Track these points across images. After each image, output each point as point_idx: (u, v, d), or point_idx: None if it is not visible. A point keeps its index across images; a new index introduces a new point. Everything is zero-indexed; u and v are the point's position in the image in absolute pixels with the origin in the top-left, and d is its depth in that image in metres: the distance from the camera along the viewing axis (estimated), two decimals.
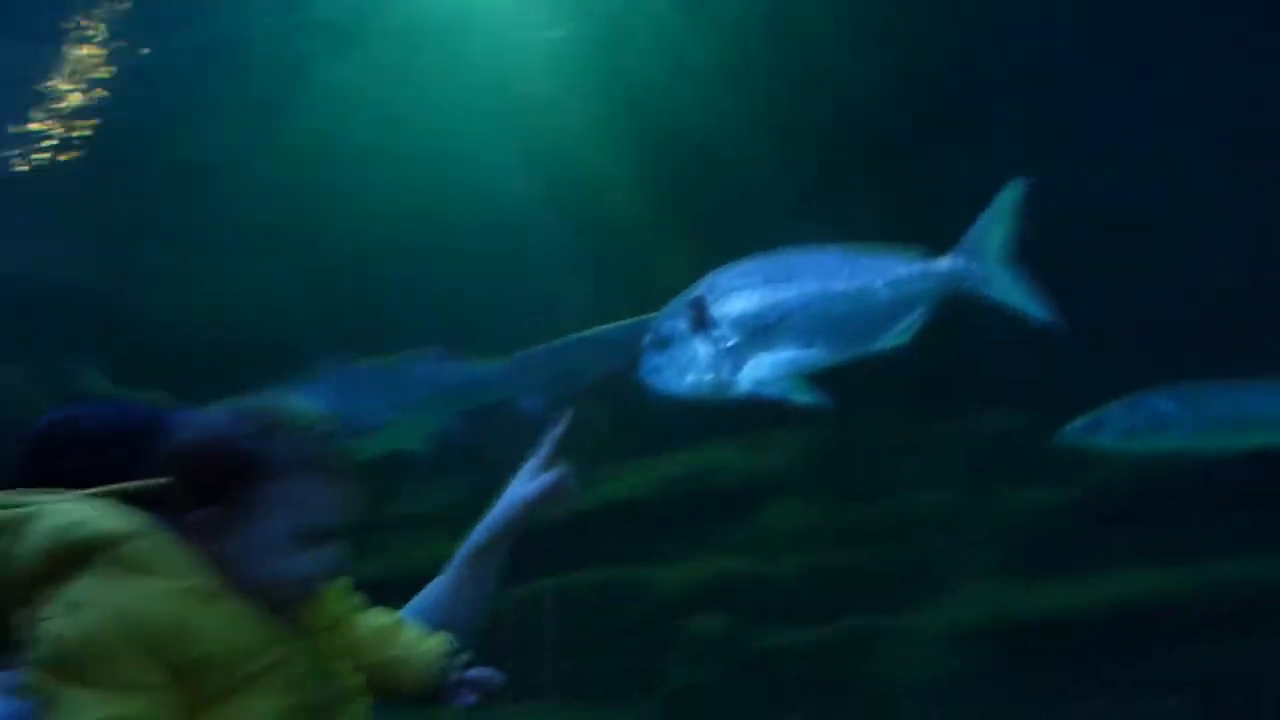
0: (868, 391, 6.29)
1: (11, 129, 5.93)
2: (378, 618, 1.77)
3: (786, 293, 3.14)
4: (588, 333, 5.26)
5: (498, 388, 5.62)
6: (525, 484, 2.07)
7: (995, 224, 3.16)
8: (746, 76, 5.78)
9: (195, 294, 6.44)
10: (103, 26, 5.47)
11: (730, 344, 3.02)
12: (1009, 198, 3.17)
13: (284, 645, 1.51)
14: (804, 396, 3.13)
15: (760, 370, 3.01)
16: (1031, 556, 6.33)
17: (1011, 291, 3.12)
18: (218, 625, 1.45)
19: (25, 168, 6.04)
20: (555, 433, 2.12)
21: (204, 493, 1.50)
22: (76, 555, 1.44)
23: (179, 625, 1.42)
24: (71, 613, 1.40)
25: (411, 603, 1.98)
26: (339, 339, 5.92)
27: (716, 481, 6.90)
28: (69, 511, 1.48)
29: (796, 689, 6.34)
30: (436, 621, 1.88)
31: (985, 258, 3.12)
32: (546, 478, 2.07)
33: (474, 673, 1.75)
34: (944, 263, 3.16)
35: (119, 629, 1.39)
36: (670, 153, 5.87)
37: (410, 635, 1.78)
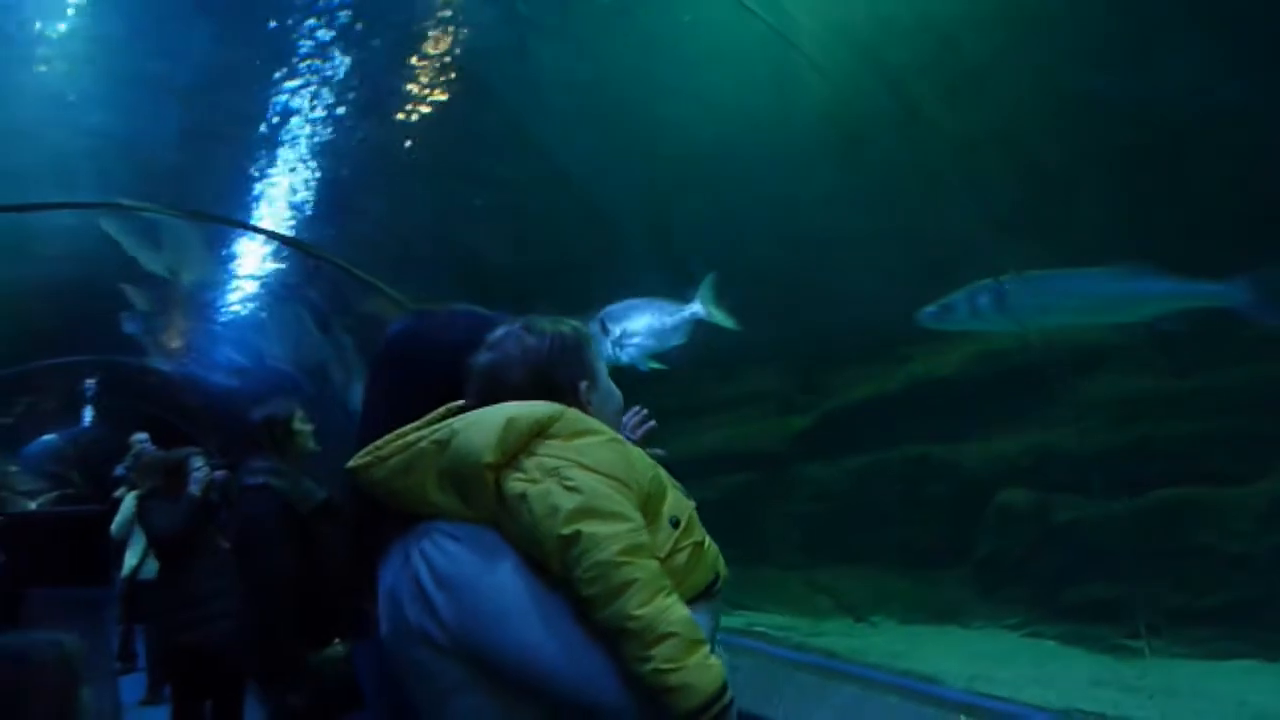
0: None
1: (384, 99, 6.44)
2: None
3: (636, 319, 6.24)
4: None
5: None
6: None
7: (708, 286, 6.08)
8: None
9: (502, 228, 7.13)
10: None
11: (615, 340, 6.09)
12: (709, 279, 6.09)
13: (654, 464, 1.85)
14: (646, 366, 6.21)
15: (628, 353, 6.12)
16: None
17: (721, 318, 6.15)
18: (637, 455, 1.78)
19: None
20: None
21: (557, 383, 1.84)
22: (528, 436, 1.71)
23: (626, 460, 1.74)
24: (554, 475, 1.65)
25: None
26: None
27: (1027, 359, 6.78)
28: (500, 409, 1.74)
29: (1106, 558, 6.58)
30: None
31: (709, 303, 6.11)
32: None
33: None
34: (694, 306, 6.16)
35: (596, 474, 1.67)
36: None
37: None
